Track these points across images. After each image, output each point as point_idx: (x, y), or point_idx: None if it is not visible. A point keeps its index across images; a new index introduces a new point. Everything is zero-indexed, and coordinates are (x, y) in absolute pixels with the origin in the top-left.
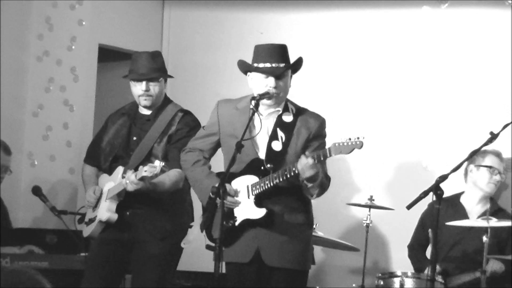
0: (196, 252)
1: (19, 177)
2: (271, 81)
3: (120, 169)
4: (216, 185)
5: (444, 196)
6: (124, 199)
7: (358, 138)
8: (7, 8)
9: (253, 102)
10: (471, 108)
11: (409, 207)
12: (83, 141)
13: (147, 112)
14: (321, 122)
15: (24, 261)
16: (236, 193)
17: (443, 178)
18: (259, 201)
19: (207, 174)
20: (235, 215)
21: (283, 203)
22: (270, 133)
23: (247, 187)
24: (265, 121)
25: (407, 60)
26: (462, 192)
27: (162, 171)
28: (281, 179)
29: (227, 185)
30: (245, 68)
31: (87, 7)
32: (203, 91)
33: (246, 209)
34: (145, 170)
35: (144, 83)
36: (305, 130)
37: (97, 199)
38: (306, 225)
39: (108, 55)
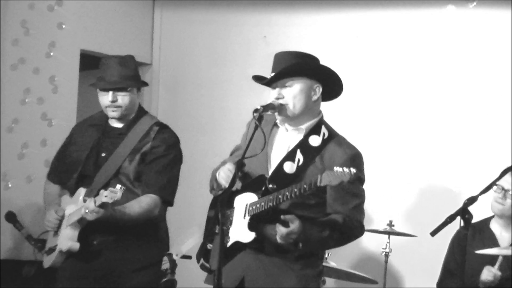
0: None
1: None
2: (274, 91)
3: (81, 191)
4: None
5: (472, 221)
6: (90, 225)
7: (349, 169)
8: None
9: (255, 115)
10: (498, 126)
11: (433, 233)
12: None
13: (119, 124)
14: (348, 158)
15: None
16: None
17: (472, 200)
18: (254, 223)
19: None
20: (229, 235)
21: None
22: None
23: (246, 205)
24: (288, 138)
25: (431, 75)
26: (492, 217)
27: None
28: (275, 203)
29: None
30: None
31: (67, 8)
32: (199, 101)
33: (239, 230)
34: (105, 196)
35: (110, 93)
36: (329, 162)
37: (58, 222)
38: (304, 262)
39: (91, 62)
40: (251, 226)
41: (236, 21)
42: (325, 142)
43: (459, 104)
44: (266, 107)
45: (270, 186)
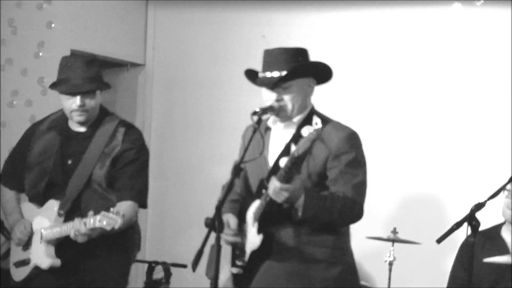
0: None
1: None
2: (272, 94)
3: (53, 204)
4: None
5: (482, 228)
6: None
7: (315, 127)
8: None
9: (254, 118)
10: (508, 131)
11: (439, 241)
12: None
13: (82, 128)
14: (344, 137)
15: None
16: (233, 225)
17: (479, 206)
18: (261, 226)
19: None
20: (245, 249)
21: (291, 226)
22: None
23: (253, 214)
24: (282, 136)
25: (437, 76)
26: (503, 223)
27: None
28: (268, 200)
29: (227, 215)
30: (249, 79)
31: (57, 6)
32: (196, 103)
33: (252, 239)
34: (100, 220)
35: (78, 97)
36: (323, 147)
37: (28, 237)
38: (327, 261)
39: None
40: (258, 230)
41: (235, 20)
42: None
43: (465, 107)
44: (265, 110)
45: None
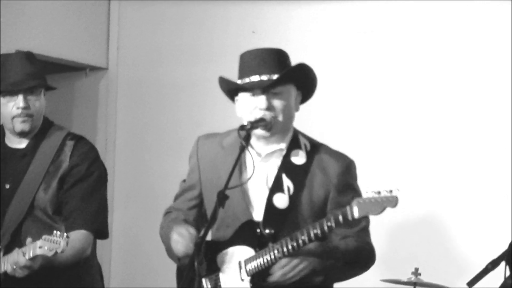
0: None
1: None
2: (261, 100)
3: None
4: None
5: None
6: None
7: (390, 191)
8: None
9: (241, 133)
10: None
11: (470, 284)
12: None
13: (20, 144)
14: (347, 167)
15: None
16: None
17: None
18: (258, 284)
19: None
20: None
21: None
22: (271, 182)
23: (239, 263)
24: (263, 165)
25: (450, 85)
26: None
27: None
28: (286, 253)
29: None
30: (226, 87)
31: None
32: (171, 112)
33: None
34: (40, 246)
35: (20, 97)
36: (322, 179)
37: None
38: None
39: None
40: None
41: (218, 15)
42: (310, 156)
43: (470, 112)
44: (256, 123)
45: (267, 231)
